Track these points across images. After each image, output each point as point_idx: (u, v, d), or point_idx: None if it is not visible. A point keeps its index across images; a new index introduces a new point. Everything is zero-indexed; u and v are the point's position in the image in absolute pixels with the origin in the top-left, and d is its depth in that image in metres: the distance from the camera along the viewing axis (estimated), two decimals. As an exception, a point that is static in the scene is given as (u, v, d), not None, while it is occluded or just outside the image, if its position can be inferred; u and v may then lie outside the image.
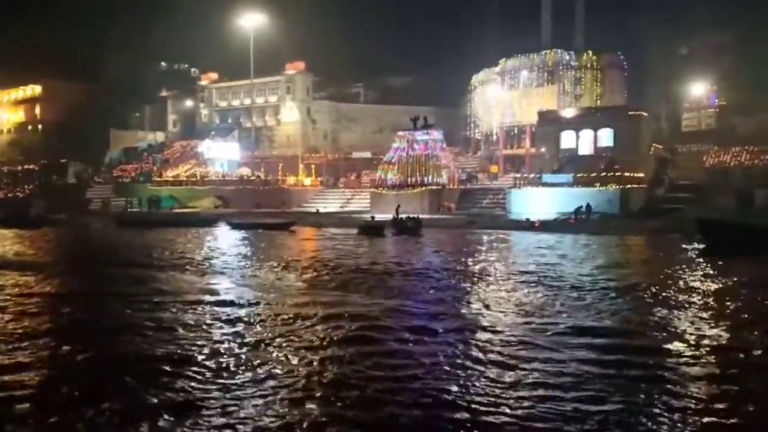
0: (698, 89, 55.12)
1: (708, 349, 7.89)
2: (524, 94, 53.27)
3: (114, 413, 5.75)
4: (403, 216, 31.13)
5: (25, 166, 67.01)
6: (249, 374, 6.86)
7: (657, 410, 5.72)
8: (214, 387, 6.44)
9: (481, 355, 7.45)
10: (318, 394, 6.16)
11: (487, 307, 10.58)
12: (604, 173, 38.23)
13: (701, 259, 18.04)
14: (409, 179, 44.28)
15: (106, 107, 70.98)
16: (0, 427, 5.53)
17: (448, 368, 7.00)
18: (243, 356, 7.58)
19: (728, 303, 10.97)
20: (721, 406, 5.87)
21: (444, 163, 45.46)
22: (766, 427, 5.63)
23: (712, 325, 9.25)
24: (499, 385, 6.36)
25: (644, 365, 7.05)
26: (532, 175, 42.14)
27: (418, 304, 10.85)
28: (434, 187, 43.25)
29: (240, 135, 67.01)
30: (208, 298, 11.55)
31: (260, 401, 6.02)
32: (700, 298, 11.52)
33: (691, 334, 8.64)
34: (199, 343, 8.21)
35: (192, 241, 25.43)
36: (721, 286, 13.11)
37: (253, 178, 55.63)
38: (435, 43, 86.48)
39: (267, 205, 46.87)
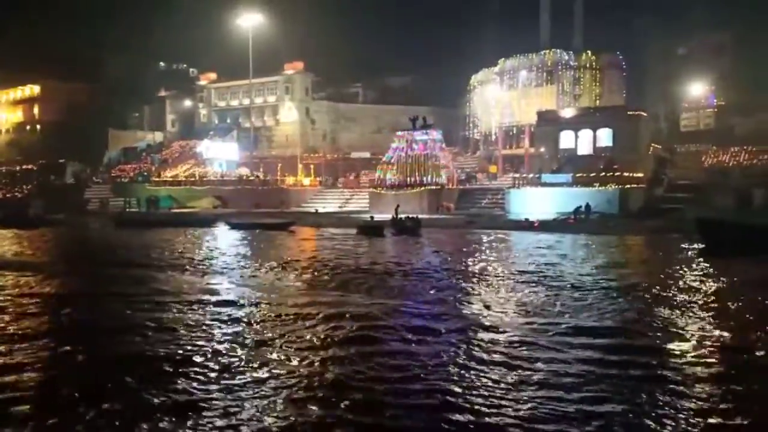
0: (697, 89, 55.14)
1: (710, 349, 7.88)
2: (523, 94, 53.27)
3: (114, 414, 5.72)
4: (403, 216, 31.13)
5: (24, 166, 66.88)
6: (250, 375, 6.83)
7: (661, 411, 5.70)
8: (215, 388, 6.41)
9: (484, 356, 7.42)
10: (319, 395, 6.13)
11: (488, 307, 10.56)
12: (603, 173, 38.25)
13: (701, 259, 18.04)
14: (408, 179, 44.28)
15: (105, 107, 70.87)
16: (0, 428, 5.50)
17: (450, 369, 6.97)
18: (244, 357, 7.55)
19: (729, 303, 10.96)
20: (724, 406, 5.85)
21: (443, 163, 45.46)
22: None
23: (714, 325, 9.23)
24: (502, 386, 6.33)
25: (647, 365, 7.04)
26: (531, 175, 42.16)
27: (419, 305, 10.83)
28: (433, 187, 43.23)
29: (239, 135, 66.95)
30: (208, 298, 11.52)
31: (262, 402, 5.99)
32: (700, 297, 11.50)
33: (692, 334, 8.63)
34: (199, 343, 8.18)
35: (191, 242, 25.39)
36: (721, 285, 13.11)
37: (252, 178, 55.59)
38: (434, 43, 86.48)
39: (266, 205, 46.83)
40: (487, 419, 5.49)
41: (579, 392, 6.13)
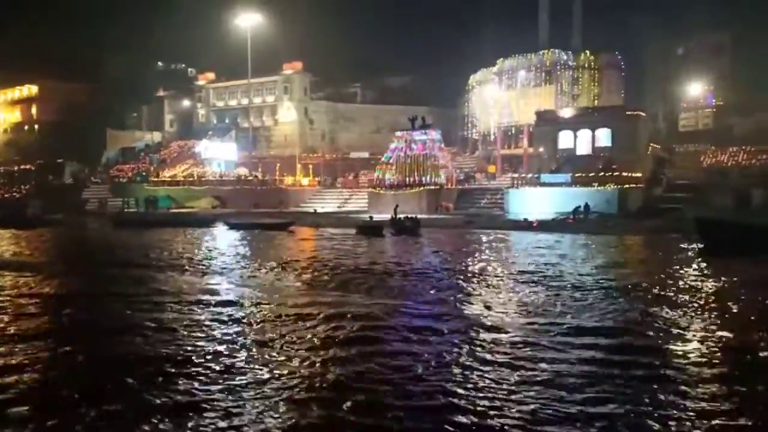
0: (695, 89, 55.24)
1: (713, 349, 7.87)
2: (522, 94, 53.28)
3: (115, 415, 5.69)
4: (402, 216, 31.10)
5: (22, 166, 66.75)
6: (251, 375, 6.80)
7: (664, 411, 5.67)
8: (216, 388, 6.38)
9: (486, 356, 7.39)
10: (321, 396, 6.10)
11: (488, 307, 10.54)
12: (602, 173, 38.27)
13: (700, 259, 18.05)
14: (407, 179, 44.27)
15: (103, 107, 70.76)
16: (0, 428, 5.47)
17: (453, 370, 6.94)
18: (244, 357, 7.53)
19: (729, 303, 10.95)
20: (728, 407, 5.83)
21: (442, 163, 45.46)
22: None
23: (715, 325, 9.22)
24: (505, 387, 6.29)
25: (650, 365, 7.02)
26: (530, 175, 42.15)
27: (419, 305, 10.81)
28: (432, 187, 43.23)
29: (237, 135, 66.88)
30: (208, 298, 11.48)
31: (263, 403, 5.96)
32: (701, 297, 11.49)
33: (694, 334, 8.61)
34: (200, 343, 8.15)
35: (190, 242, 25.34)
36: (721, 285, 13.10)
37: (250, 178, 55.55)
38: (433, 43, 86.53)
39: (265, 205, 46.80)
40: (490, 421, 5.44)
41: (583, 393, 6.11)
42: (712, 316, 9.86)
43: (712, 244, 20.04)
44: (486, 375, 6.71)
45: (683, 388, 6.28)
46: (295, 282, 13.79)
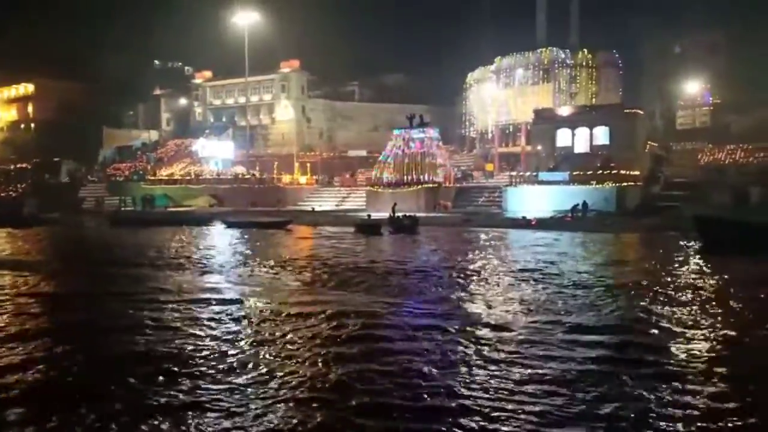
0: (692, 87, 55.27)
1: (717, 347, 7.84)
2: (519, 92, 53.25)
3: (115, 415, 5.62)
4: (400, 214, 31.03)
5: (18, 165, 66.55)
6: (252, 375, 6.74)
7: (673, 410, 5.64)
8: (217, 388, 6.32)
9: (492, 355, 7.34)
10: (323, 397, 6.03)
11: (490, 305, 10.49)
12: (600, 171, 38.25)
13: (699, 257, 18.05)
14: (405, 177, 44.20)
15: (100, 106, 70.54)
16: (-1, 430, 5.41)
17: (459, 369, 6.89)
18: (245, 356, 7.46)
19: (731, 301, 10.92)
20: (734, 405, 5.79)
21: (440, 161, 45.39)
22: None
23: (718, 323, 9.18)
24: (512, 388, 6.22)
25: (655, 363, 6.99)
26: (528, 173, 42.12)
27: (421, 303, 10.76)
28: (430, 186, 43.18)
29: (234, 133, 66.72)
30: (207, 297, 11.41)
31: (265, 403, 5.89)
32: (702, 295, 11.47)
33: (697, 332, 8.57)
34: (200, 342, 8.08)
35: (187, 240, 25.24)
36: (721, 283, 13.09)
37: (248, 176, 55.41)
38: (430, 42, 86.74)
39: (262, 204, 46.67)
40: (498, 425, 5.34)
41: (591, 392, 6.05)
42: (714, 314, 9.83)
43: (711, 242, 20.05)
44: (492, 374, 6.65)
45: (690, 386, 6.23)
46: (295, 281, 13.72)
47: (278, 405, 5.84)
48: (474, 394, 6.06)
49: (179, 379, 6.58)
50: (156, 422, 5.48)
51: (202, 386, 6.37)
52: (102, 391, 6.21)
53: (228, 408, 5.78)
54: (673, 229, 26.30)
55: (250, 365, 7.07)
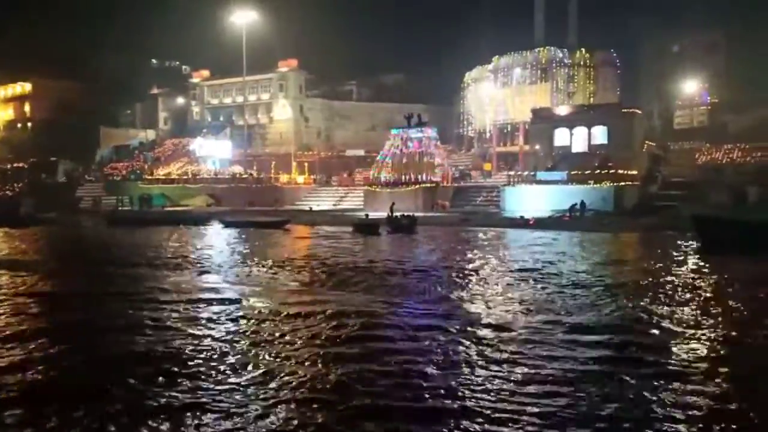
0: (690, 87, 55.39)
1: (718, 347, 7.83)
2: (517, 92, 53.23)
3: (114, 415, 5.58)
4: (398, 214, 31.00)
5: (14, 165, 66.31)
6: (251, 375, 6.70)
7: (673, 410, 5.62)
8: (216, 388, 6.28)
9: (494, 355, 7.31)
10: (323, 398, 5.98)
11: (490, 305, 10.47)
12: (598, 171, 38.25)
13: (698, 256, 18.06)
14: (403, 177, 44.16)
15: (97, 105, 70.36)
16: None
17: (460, 369, 6.86)
18: (245, 356, 7.42)
19: (730, 300, 10.92)
20: (735, 405, 5.77)
21: (438, 160, 45.36)
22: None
23: (718, 322, 9.18)
24: (515, 389, 6.17)
25: (656, 363, 6.97)
26: (526, 173, 42.10)
27: (421, 303, 10.73)
28: (428, 185, 43.15)
29: (232, 133, 66.59)
30: (206, 296, 11.37)
31: (264, 404, 5.85)
32: (701, 295, 11.47)
33: (698, 331, 8.56)
34: (199, 342, 8.04)
35: (185, 240, 25.19)
36: (720, 283, 13.09)
37: (245, 176, 55.33)
38: (428, 41, 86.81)
39: (260, 203, 46.60)
40: (501, 427, 5.28)
41: (593, 392, 6.03)
42: (714, 313, 9.82)
43: (709, 242, 20.03)
44: (494, 374, 6.62)
45: (692, 386, 6.21)
46: (293, 280, 13.68)
47: (278, 406, 5.80)
48: (475, 394, 6.02)
49: (179, 380, 6.54)
50: (156, 423, 5.44)
51: (202, 387, 6.33)
52: (101, 391, 6.16)
53: (228, 408, 5.74)
54: (671, 228, 26.32)
55: (250, 365, 7.03)
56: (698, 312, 9.92)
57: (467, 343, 7.87)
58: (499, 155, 54.20)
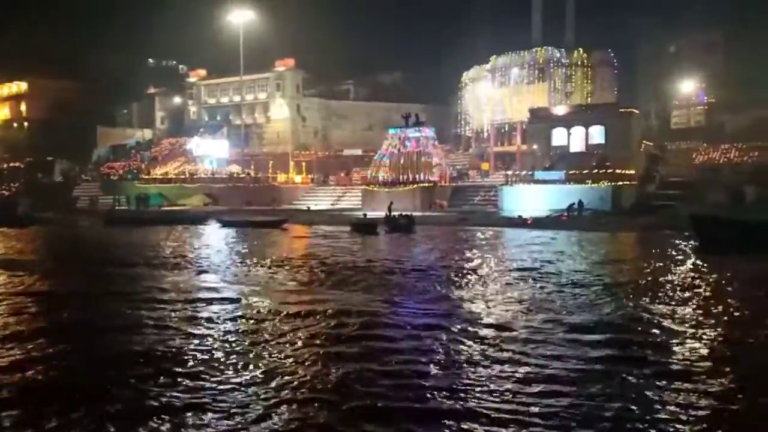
0: (687, 87, 55.48)
1: (719, 346, 7.83)
2: (515, 92, 53.23)
3: (115, 416, 5.54)
4: (396, 213, 30.97)
5: (11, 164, 66.09)
6: (251, 375, 6.67)
7: (676, 409, 5.60)
8: (216, 388, 6.24)
9: (496, 355, 7.29)
10: (323, 398, 5.95)
11: (490, 305, 10.45)
12: (596, 170, 38.29)
13: (696, 256, 18.07)
14: (400, 176, 44.13)
15: (93, 104, 70.14)
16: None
17: (462, 369, 6.83)
18: (244, 356, 7.38)
19: (730, 300, 10.91)
20: (738, 406, 5.76)
21: (436, 160, 45.35)
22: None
23: (718, 322, 9.17)
24: (516, 388, 6.14)
25: (657, 362, 6.96)
26: (524, 172, 42.12)
27: (420, 302, 10.69)
28: (426, 185, 43.13)
29: (229, 132, 66.46)
30: (204, 296, 11.33)
31: (263, 404, 5.82)
32: (701, 294, 11.48)
33: (698, 331, 8.56)
34: (198, 342, 8.00)
35: (182, 239, 25.12)
36: (719, 283, 13.08)
37: (243, 175, 55.25)
38: (426, 40, 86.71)
39: (257, 203, 46.56)
40: (504, 428, 5.24)
41: (596, 391, 6.01)
42: (714, 312, 9.82)
43: (707, 241, 20.06)
44: (495, 374, 6.60)
45: (694, 386, 6.20)
46: (292, 280, 13.65)
47: (279, 406, 5.77)
48: (477, 394, 6.00)
49: (179, 379, 6.50)
50: (156, 423, 5.40)
51: (202, 386, 6.30)
52: (101, 391, 6.13)
53: (229, 408, 5.71)
54: (669, 228, 26.35)
55: (250, 365, 7.00)
56: (698, 311, 9.93)
57: (468, 342, 7.85)
58: (497, 155, 54.21)
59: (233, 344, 7.96)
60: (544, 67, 52.59)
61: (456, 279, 13.46)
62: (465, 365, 6.96)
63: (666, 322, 9.05)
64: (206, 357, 7.33)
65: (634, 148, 42.32)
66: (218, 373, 6.71)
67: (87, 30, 75.50)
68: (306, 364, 7.04)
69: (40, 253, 21.32)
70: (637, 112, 44.49)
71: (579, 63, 52.83)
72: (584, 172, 38.23)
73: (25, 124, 74.33)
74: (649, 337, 8.23)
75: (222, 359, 7.24)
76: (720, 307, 10.18)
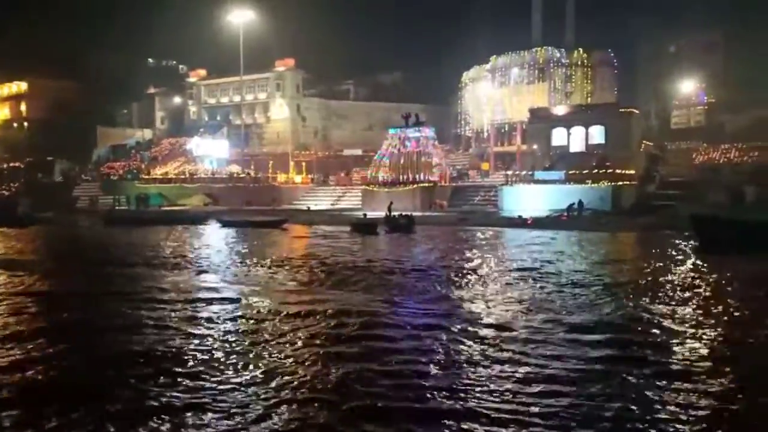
0: (687, 87, 55.48)
1: (720, 346, 7.83)
2: (515, 92, 53.22)
3: (114, 415, 5.54)
4: (396, 213, 30.96)
5: (11, 164, 66.08)
6: (251, 375, 6.66)
7: (677, 409, 5.60)
8: (216, 388, 6.24)
9: (496, 355, 7.29)
10: (324, 398, 5.95)
11: (491, 305, 10.45)
12: (596, 170, 38.29)
13: (696, 256, 18.07)
14: (401, 176, 44.13)
15: (93, 104, 70.14)
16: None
17: (461, 369, 6.83)
18: (245, 356, 7.38)
19: (730, 300, 10.90)
20: (739, 406, 5.76)
21: (436, 160, 45.35)
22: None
23: (718, 322, 9.17)
24: (517, 389, 6.14)
25: (658, 362, 6.96)
26: (524, 172, 42.13)
27: (421, 302, 10.69)
28: (426, 185, 43.13)
29: (229, 132, 66.47)
30: (204, 296, 11.32)
31: (263, 404, 5.82)
32: (701, 294, 11.47)
33: (698, 331, 8.56)
34: (199, 342, 8.00)
35: (183, 240, 25.12)
36: (720, 282, 13.08)
37: (243, 175, 55.25)
38: (426, 40, 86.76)
39: (257, 203, 46.56)
40: (504, 429, 5.23)
41: (595, 392, 6.01)
42: (714, 312, 9.82)
43: (707, 241, 20.06)
44: (496, 374, 6.60)
45: (694, 386, 6.20)
46: (292, 280, 13.65)
47: (279, 406, 5.77)
48: (477, 395, 5.99)
49: (179, 379, 6.50)
50: (156, 423, 5.40)
51: (202, 386, 6.30)
52: (101, 391, 6.13)
53: (229, 408, 5.71)
54: (669, 228, 26.34)
55: (250, 365, 7.00)
56: (698, 311, 9.93)
57: (468, 342, 7.85)
58: (497, 155, 54.21)
59: (233, 344, 7.96)
60: (544, 67, 52.58)
61: (456, 279, 13.46)
62: (465, 365, 6.96)
63: (666, 322, 9.05)
64: (206, 357, 7.33)
65: (634, 148, 42.32)
66: (218, 373, 6.71)
67: (87, 30, 75.56)
68: (306, 364, 7.04)
69: (40, 253, 21.32)
70: (637, 112, 44.49)
71: (579, 63, 52.83)
72: (584, 172, 38.23)
73: (25, 124, 74.32)
74: (649, 337, 8.23)
75: (222, 359, 7.24)
76: (720, 307, 10.18)
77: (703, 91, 55.04)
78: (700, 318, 9.41)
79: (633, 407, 5.63)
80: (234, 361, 7.16)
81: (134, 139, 70.85)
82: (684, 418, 5.41)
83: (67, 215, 43.18)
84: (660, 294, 11.40)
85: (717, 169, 40.25)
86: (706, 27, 54.48)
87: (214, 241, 24.60)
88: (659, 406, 5.68)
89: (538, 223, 30.68)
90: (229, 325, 9.01)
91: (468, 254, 18.63)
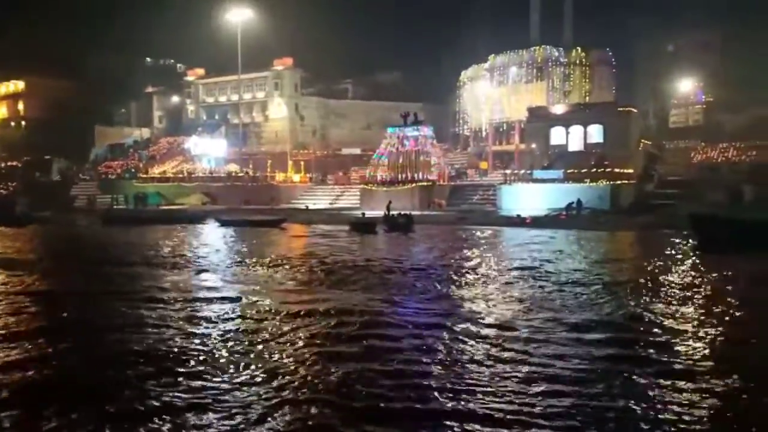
0: (685, 86, 55.55)
1: (721, 345, 7.82)
2: (513, 91, 53.19)
3: (114, 415, 5.51)
4: (395, 212, 30.94)
5: (8, 163, 65.95)
6: (251, 375, 6.64)
7: (680, 408, 5.59)
8: (217, 388, 6.22)
9: (498, 354, 7.27)
10: (324, 398, 5.92)
11: (491, 303, 10.43)
12: (594, 169, 38.32)
13: (695, 255, 18.08)
14: (399, 176, 44.11)
15: (91, 103, 70.01)
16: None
17: (463, 368, 6.81)
18: (245, 356, 7.35)
19: (729, 299, 10.89)
20: (741, 406, 5.76)
21: (434, 159, 45.34)
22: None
23: (719, 321, 9.16)
24: (519, 388, 6.12)
25: (659, 361, 6.95)
26: (522, 171, 42.14)
27: (421, 302, 10.68)
28: (425, 184, 43.12)
29: (227, 131, 66.41)
30: (204, 295, 11.30)
31: (264, 404, 5.79)
32: (700, 293, 11.48)
33: (699, 330, 8.55)
34: (199, 341, 7.97)
35: (181, 239, 25.06)
36: (719, 282, 13.07)
37: (241, 174, 55.20)
38: (424, 40, 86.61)
39: (255, 202, 46.50)
40: (507, 429, 5.20)
41: (597, 392, 5.99)
42: (714, 312, 9.81)
43: (706, 240, 20.09)
44: (498, 374, 6.58)
45: (697, 385, 6.20)
46: (292, 279, 13.62)
47: (280, 406, 5.74)
48: (480, 394, 5.97)
49: (179, 379, 6.47)
50: (157, 423, 5.37)
51: (203, 386, 6.27)
52: (101, 391, 6.10)
53: (230, 408, 5.69)
54: (668, 227, 26.35)
55: (251, 365, 6.97)
56: (699, 310, 9.92)
57: (470, 341, 7.83)
58: (495, 154, 54.20)
59: (234, 344, 7.92)
60: (542, 66, 52.53)
61: (456, 278, 13.44)
62: (467, 365, 6.94)
63: (667, 322, 9.04)
64: (207, 357, 7.30)
65: (632, 147, 42.34)
66: (219, 373, 6.68)
67: (85, 29, 75.46)
68: (307, 363, 7.01)
69: (38, 253, 21.26)
70: (635, 111, 44.50)
71: (577, 62, 52.79)
72: (583, 171, 38.25)
73: (23, 123, 74.22)
74: (650, 336, 8.22)
75: (222, 359, 7.22)
76: (720, 307, 10.17)
77: (701, 90, 55.11)
78: (701, 317, 9.41)
79: (636, 407, 5.61)
80: (235, 360, 7.14)
81: (132, 138, 70.73)
82: (688, 418, 5.40)
83: (65, 214, 43.07)
84: (660, 293, 11.39)
85: (715, 168, 40.33)
86: (705, 26, 54.50)
87: (213, 240, 24.56)
88: (662, 406, 5.66)
89: (536, 222, 30.68)
90: (229, 325, 8.98)
91: (467, 253, 18.61)
